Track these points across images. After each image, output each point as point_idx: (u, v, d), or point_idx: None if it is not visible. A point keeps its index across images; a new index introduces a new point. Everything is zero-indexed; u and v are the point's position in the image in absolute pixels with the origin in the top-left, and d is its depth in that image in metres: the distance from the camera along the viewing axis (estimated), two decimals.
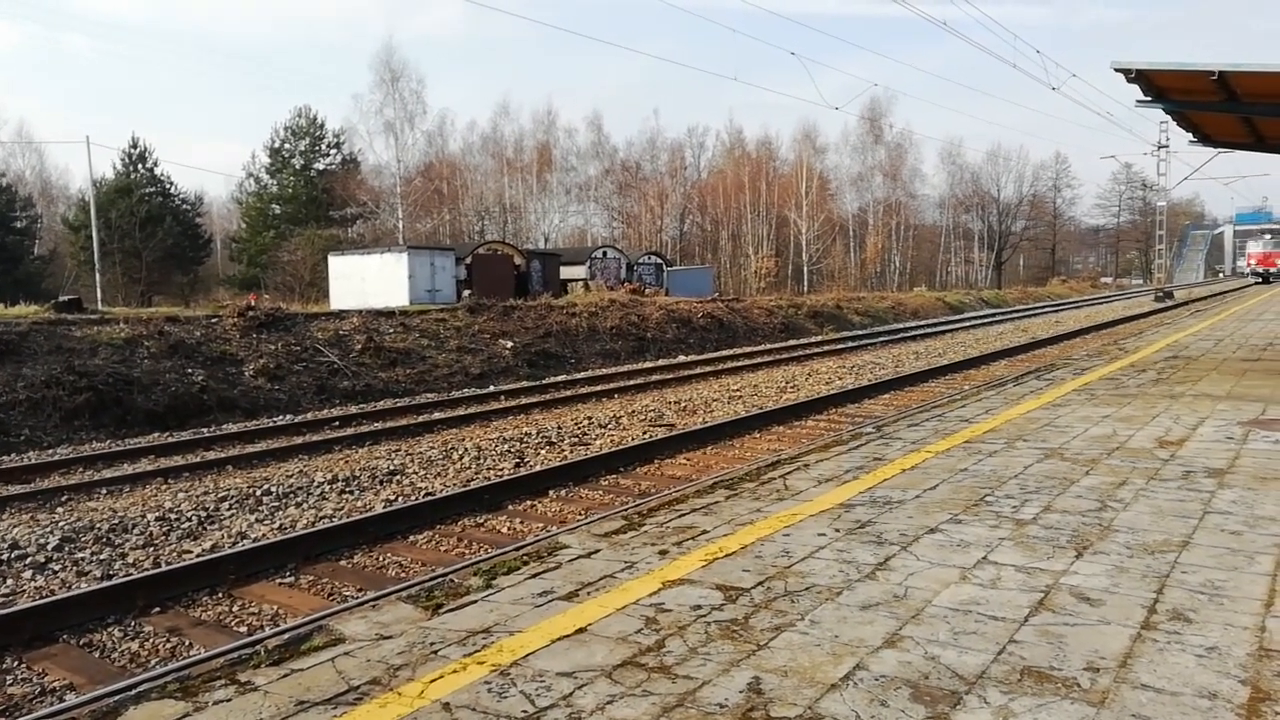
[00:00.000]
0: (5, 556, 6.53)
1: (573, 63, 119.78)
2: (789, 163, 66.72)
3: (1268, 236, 60.53)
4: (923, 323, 33.96)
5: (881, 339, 25.78)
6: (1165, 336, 16.00)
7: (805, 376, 16.74)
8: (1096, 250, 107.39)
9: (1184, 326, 18.54)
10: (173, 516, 7.55)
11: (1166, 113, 14.81)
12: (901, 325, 32.71)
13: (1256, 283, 56.72)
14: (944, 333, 28.02)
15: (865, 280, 64.13)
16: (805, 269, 60.38)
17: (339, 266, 30.05)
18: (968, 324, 32.19)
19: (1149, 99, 11.12)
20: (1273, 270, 57.77)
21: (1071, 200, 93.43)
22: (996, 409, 8.10)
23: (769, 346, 24.27)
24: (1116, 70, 9.92)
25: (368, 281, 27.69)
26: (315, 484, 8.62)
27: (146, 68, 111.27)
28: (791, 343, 25.55)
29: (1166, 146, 41.66)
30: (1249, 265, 60.56)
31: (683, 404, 13.55)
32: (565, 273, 34.69)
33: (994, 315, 37.62)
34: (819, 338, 27.43)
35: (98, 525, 7.28)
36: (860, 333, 28.99)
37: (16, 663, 4.88)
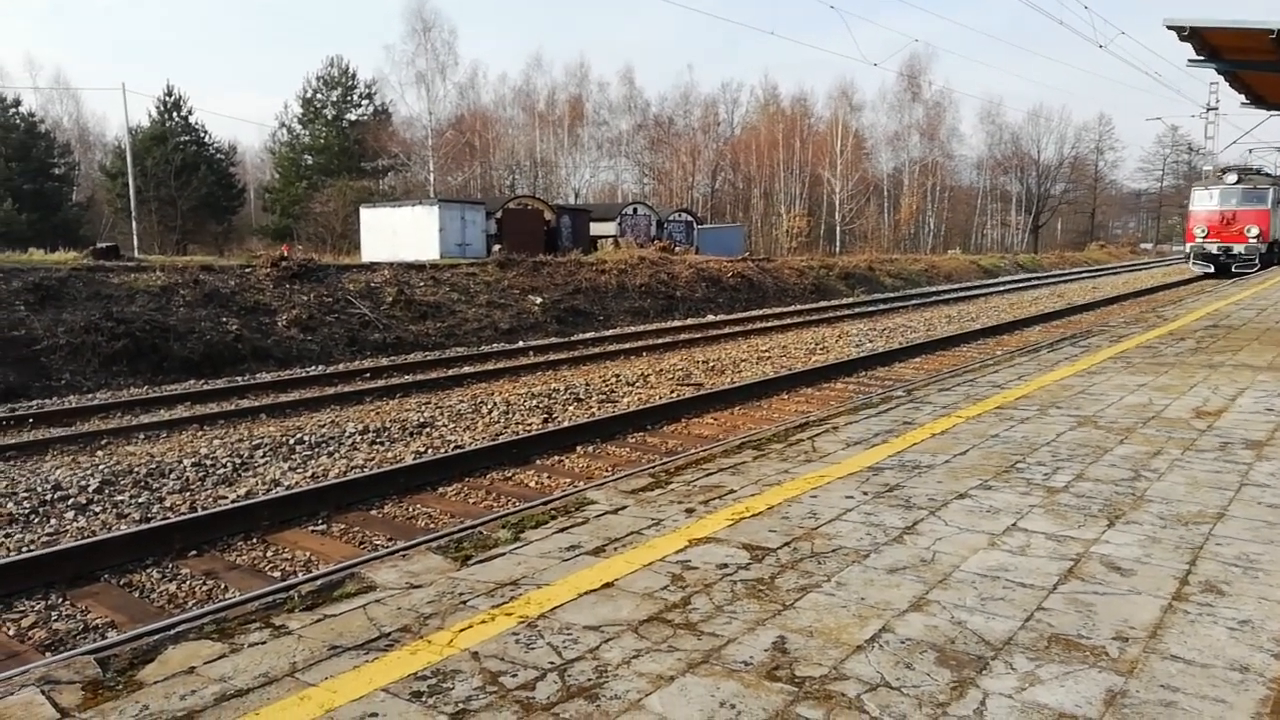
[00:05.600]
0: (49, 497, 6.72)
1: (606, 13, 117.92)
2: (824, 120, 65.73)
3: (1231, 179, 30.21)
4: (956, 286, 33.51)
5: (913, 302, 25.49)
6: (1206, 305, 15.66)
7: (835, 338, 16.62)
8: (1137, 215, 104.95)
9: (1225, 294, 18.14)
10: (208, 462, 7.71)
11: (1219, 73, 14.36)
12: (934, 288, 32.31)
13: (1204, 274, 30.43)
14: (978, 297, 27.64)
15: (898, 242, 63.29)
16: (838, 229, 59.69)
17: (370, 219, 30.17)
18: (1002, 288, 31.71)
19: (1201, 58, 10.77)
20: (1235, 250, 29.40)
21: (1114, 163, 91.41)
22: (1029, 375, 8.00)
23: (799, 307, 24.11)
24: (1169, 27, 9.60)
25: (399, 234, 27.79)
26: (346, 434, 8.74)
27: (177, 17, 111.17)
28: (822, 304, 25.35)
29: (1216, 109, 40.38)
30: (1190, 239, 31.05)
31: (711, 363, 13.52)
32: (595, 229, 34.56)
33: (1029, 280, 37.03)
34: (850, 299, 27.18)
35: (136, 469, 7.45)
36: (892, 295, 28.68)
37: (61, 599, 5.04)
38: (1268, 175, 31.80)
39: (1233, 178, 30.23)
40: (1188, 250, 31.47)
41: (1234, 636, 2.71)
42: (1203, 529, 3.71)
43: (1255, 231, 29.10)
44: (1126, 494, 4.21)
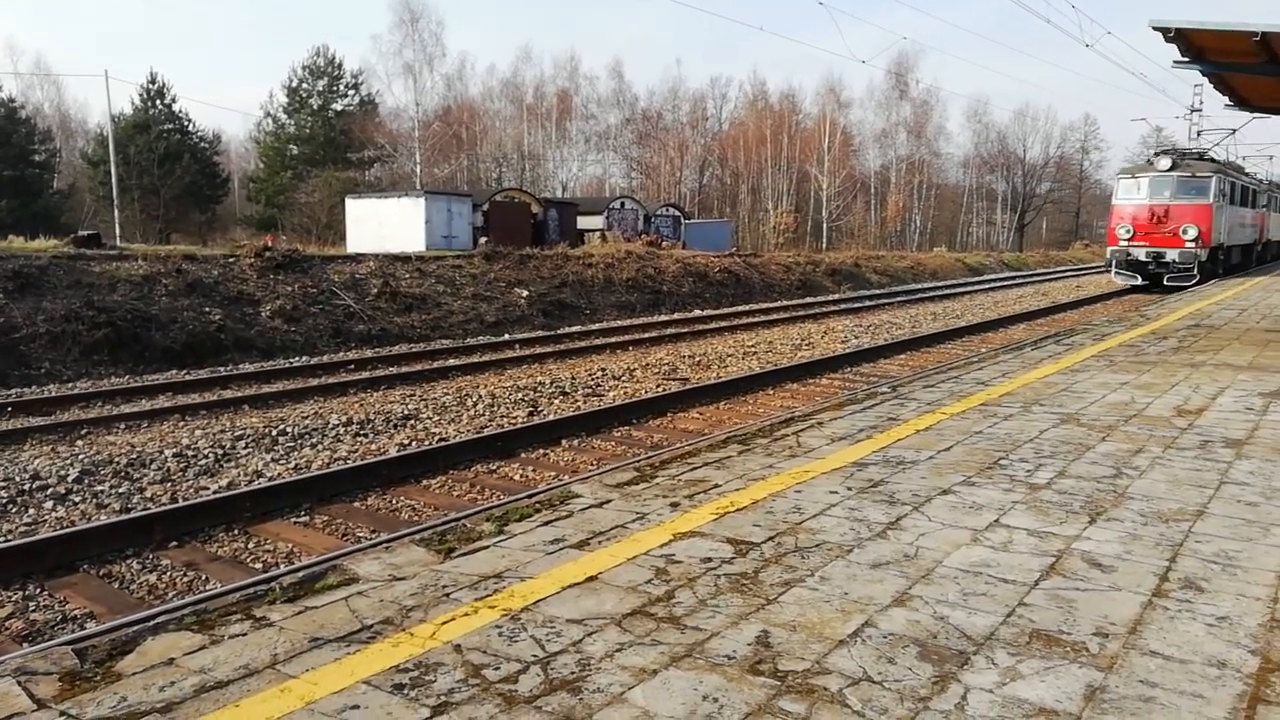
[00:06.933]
0: (27, 487, 6.64)
1: (597, 6, 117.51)
2: (812, 116, 65.92)
3: (1164, 165, 23.29)
4: (941, 284, 33.66)
5: (899, 299, 25.58)
6: (1188, 304, 15.81)
7: (821, 334, 16.66)
8: None
9: (1207, 295, 18.30)
10: (190, 453, 7.65)
11: (1203, 75, 14.47)
12: (920, 285, 32.44)
13: (1131, 286, 23.98)
14: (963, 294, 27.78)
15: (885, 239, 63.53)
16: (825, 226, 59.83)
17: (356, 210, 30.00)
18: (987, 286, 31.88)
19: (1186, 59, 10.84)
20: (1168, 257, 22.87)
21: (1099, 163, 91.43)
22: (1013, 372, 8.04)
23: (785, 303, 24.16)
24: (1155, 28, 9.66)
25: (385, 225, 27.66)
26: (330, 426, 8.69)
27: (162, 4, 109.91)
28: (808, 300, 25.40)
29: (1200, 110, 40.26)
30: (1113, 242, 24.09)
31: (697, 358, 13.53)
32: (582, 222, 34.52)
33: (1014, 278, 37.24)
34: (836, 296, 27.25)
35: (116, 459, 7.38)
36: (878, 292, 28.79)
37: (39, 590, 4.99)
38: (1211, 161, 24.44)
39: (1165, 163, 23.10)
40: (1109, 256, 24.43)
41: (1212, 633, 2.73)
42: (1183, 526, 3.74)
43: (1193, 233, 22.37)
44: (1108, 491, 4.24)
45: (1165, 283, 22.68)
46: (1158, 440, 5.32)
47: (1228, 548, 3.48)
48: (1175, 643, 2.66)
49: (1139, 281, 23.46)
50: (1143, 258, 23.13)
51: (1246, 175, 28.46)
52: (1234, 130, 30.48)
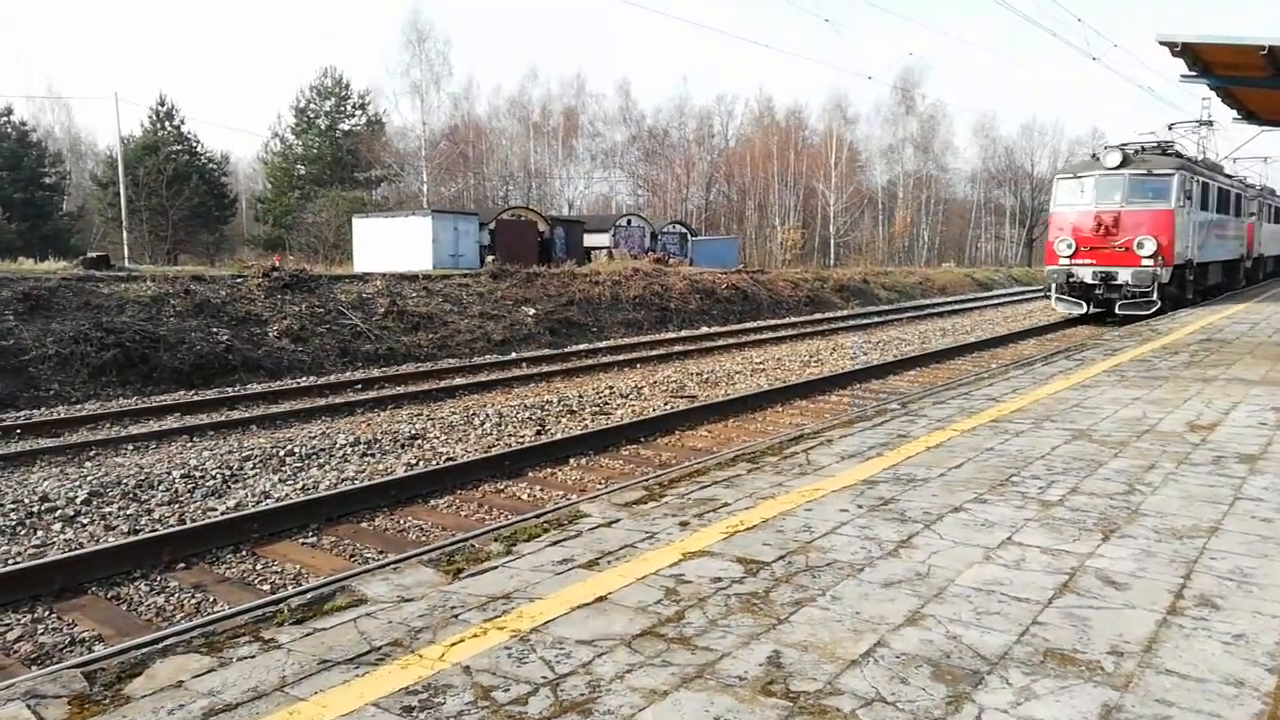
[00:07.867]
0: (36, 509, 6.65)
1: (603, 25, 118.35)
2: (818, 133, 66.07)
3: (1114, 161, 18.13)
4: (950, 299, 33.62)
5: (908, 315, 25.54)
6: (1199, 319, 15.73)
7: (829, 351, 16.64)
8: None
9: (1218, 309, 18.21)
10: (198, 474, 7.65)
11: (1211, 89, 14.46)
12: (929, 301, 32.41)
13: (1076, 313, 19.24)
14: (972, 310, 27.72)
15: (893, 255, 63.53)
16: (832, 242, 59.87)
17: (363, 229, 30.16)
18: (996, 301, 31.83)
19: (1194, 74, 10.87)
20: (1120, 278, 18.01)
21: None
22: (1024, 388, 8.01)
23: (793, 320, 24.14)
24: (1162, 43, 9.70)
25: (391, 245, 27.79)
26: (338, 446, 8.70)
27: (169, 25, 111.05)
28: (816, 316, 25.38)
29: (1208, 123, 40.19)
30: (1052, 260, 19.20)
31: (705, 375, 13.51)
32: (589, 240, 34.66)
33: (1024, 293, 37.15)
34: (844, 312, 27.23)
35: (124, 480, 7.39)
36: (886, 308, 28.76)
37: (47, 612, 4.98)
38: (1175, 156, 19.23)
39: (1115, 158, 18.36)
40: (1047, 278, 19.69)
41: (1229, 651, 2.70)
42: (1197, 543, 3.70)
43: (1150, 247, 17.63)
44: (1121, 508, 4.21)
45: (1118, 311, 18.30)
46: (1171, 456, 5.28)
47: (1243, 564, 3.45)
48: (1191, 661, 2.63)
49: (1084, 310, 18.96)
50: (1089, 279, 18.49)
51: (1228, 176, 23.80)
52: (1212, 122, 25.68)
